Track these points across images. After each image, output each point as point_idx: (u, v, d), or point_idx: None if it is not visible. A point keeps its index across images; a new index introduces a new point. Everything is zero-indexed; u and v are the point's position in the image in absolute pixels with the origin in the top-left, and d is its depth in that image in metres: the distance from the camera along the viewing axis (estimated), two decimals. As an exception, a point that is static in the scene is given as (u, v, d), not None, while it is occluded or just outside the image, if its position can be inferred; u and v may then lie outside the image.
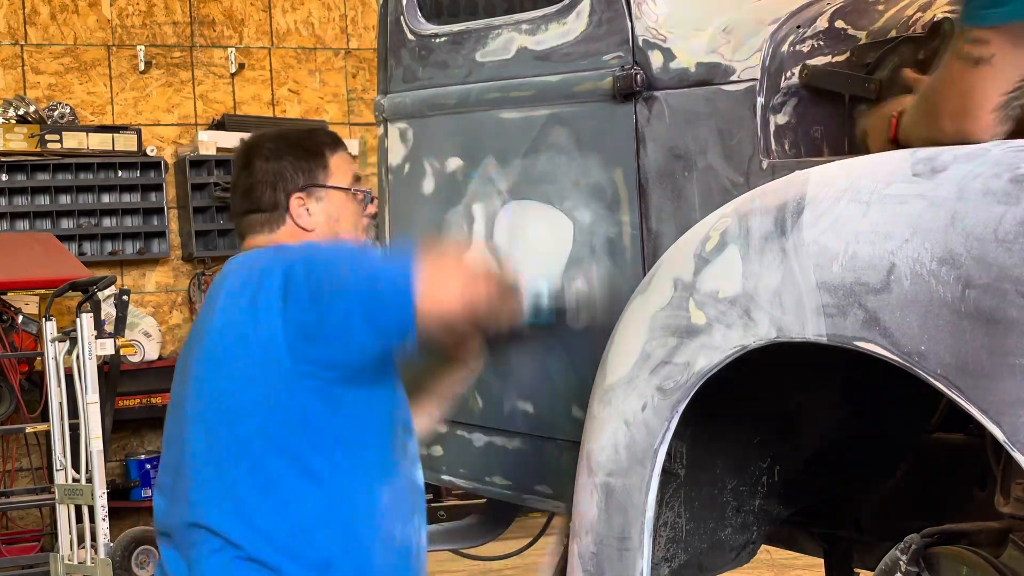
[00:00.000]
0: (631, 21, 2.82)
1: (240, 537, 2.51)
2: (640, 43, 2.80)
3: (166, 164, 8.58)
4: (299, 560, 2.50)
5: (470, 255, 2.69)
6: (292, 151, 2.73)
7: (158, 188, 8.53)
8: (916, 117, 2.29)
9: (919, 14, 2.64)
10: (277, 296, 2.48)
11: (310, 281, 2.48)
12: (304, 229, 2.70)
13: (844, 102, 2.60)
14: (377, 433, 2.58)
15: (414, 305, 2.40)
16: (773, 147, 2.57)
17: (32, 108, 8.24)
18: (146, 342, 8.26)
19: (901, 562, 2.16)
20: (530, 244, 3.08)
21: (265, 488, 2.51)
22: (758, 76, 2.58)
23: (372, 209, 2.83)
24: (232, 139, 8.58)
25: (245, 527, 2.51)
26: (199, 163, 8.53)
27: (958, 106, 2.15)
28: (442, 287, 2.44)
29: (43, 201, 8.29)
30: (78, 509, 6.27)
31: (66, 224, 8.31)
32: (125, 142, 8.39)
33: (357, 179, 2.81)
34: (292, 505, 2.51)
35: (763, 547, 2.91)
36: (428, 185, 3.34)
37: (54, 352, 6.44)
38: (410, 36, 3.41)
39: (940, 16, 2.60)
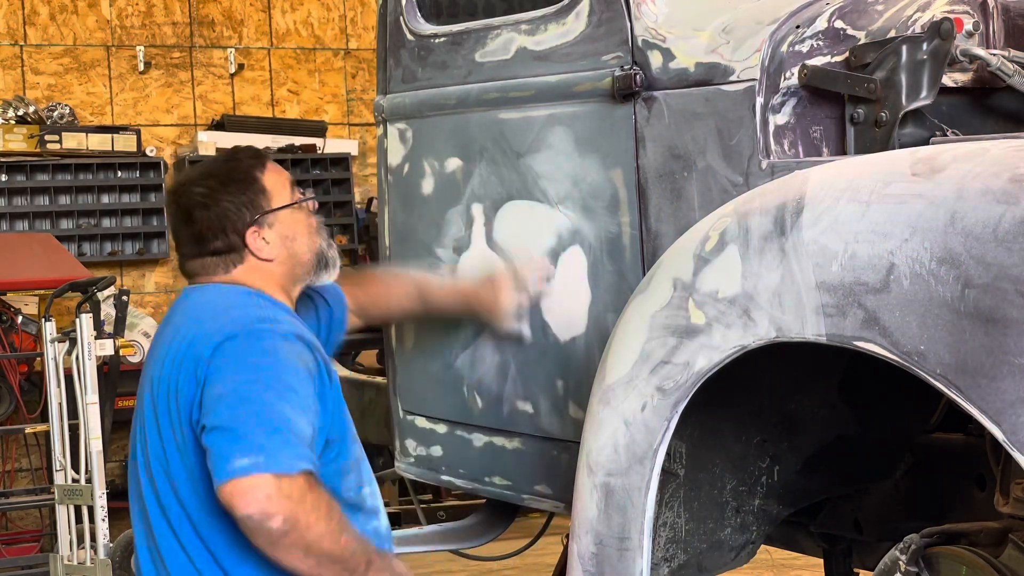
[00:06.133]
0: (630, 21, 2.82)
1: None
2: (639, 43, 2.80)
3: (165, 164, 8.58)
4: None
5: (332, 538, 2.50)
6: (226, 189, 2.69)
7: (157, 188, 8.52)
8: None
9: (919, 14, 2.64)
10: (198, 383, 2.52)
11: (214, 381, 2.50)
12: (265, 260, 2.69)
13: (843, 102, 2.60)
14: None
15: (221, 483, 2.43)
16: (772, 147, 2.57)
17: (31, 108, 8.23)
18: (145, 343, 8.24)
19: (901, 562, 2.16)
20: (529, 244, 3.08)
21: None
22: (757, 76, 2.58)
23: (315, 206, 2.83)
24: (232, 139, 8.58)
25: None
26: (198, 163, 8.52)
27: None
28: (253, 505, 2.41)
29: (42, 202, 8.29)
30: (78, 509, 6.27)
31: (65, 225, 8.30)
32: (124, 142, 8.38)
33: (294, 185, 2.79)
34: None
35: (763, 547, 2.91)
36: (427, 185, 3.34)
37: (54, 352, 6.44)
38: (409, 36, 3.41)
39: (940, 16, 2.60)
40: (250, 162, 2.75)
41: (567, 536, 2.70)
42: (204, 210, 2.67)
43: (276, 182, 2.74)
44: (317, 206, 2.86)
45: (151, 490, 2.67)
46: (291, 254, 2.73)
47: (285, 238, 2.71)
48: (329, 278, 2.84)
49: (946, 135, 2.56)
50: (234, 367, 2.51)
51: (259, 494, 2.39)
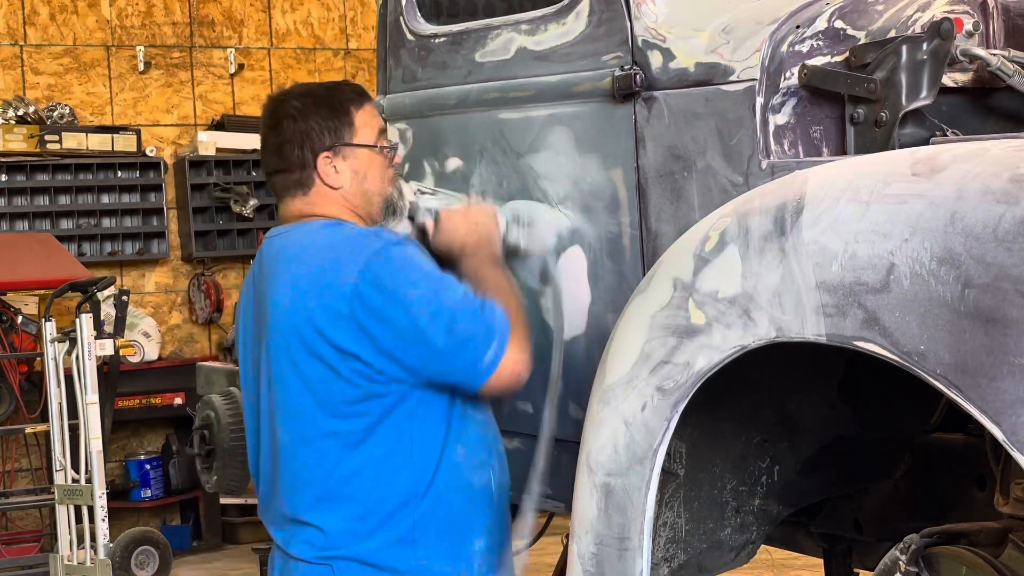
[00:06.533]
0: (630, 21, 2.82)
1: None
2: (639, 43, 2.80)
3: (165, 165, 8.58)
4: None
5: (521, 315, 2.74)
6: (318, 110, 2.76)
7: (157, 189, 8.53)
8: None
9: (919, 14, 2.64)
10: (345, 316, 2.60)
11: (387, 315, 2.60)
12: (332, 187, 2.76)
13: (843, 102, 2.60)
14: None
15: (484, 383, 2.65)
16: (772, 147, 2.57)
17: (32, 108, 8.24)
18: (145, 342, 8.27)
19: (901, 562, 2.16)
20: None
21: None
22: (757, 76, 2.58)
23: (398, 159, 2.91)
24: (231, 140, 8.59)
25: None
26: (198, 163, 8.54)
27: None
28: (514, 378, 2.68)
29: (42, 202, 8.29)
30: (77, 509, 6.27)
31: (65, 225, 8.31)
32: (124, 142, 8.39)
33: (383, 132, 2.86)
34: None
35: (763, 547, 2.91)
36: (428, 185, 3.34)
37: (54, 352, 6.44)
38: (409, 37, 3.41)
39: (940, 16, 2.60)
40: (350, 95, 2.82)
41: (567, 536, 2.70)
42: (291, 122, 2.76)
43: (366, 122, 2.80)
44: (399, 161, 2.94)
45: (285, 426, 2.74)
46: (360, 191, 2.79)
47: (356, 173, 2.77)
48: (396, 226, 2.92)
49: (946, 135, 2.56)
50: (399, 297, 2.60)
51: (514, 369, 2.66)
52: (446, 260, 2.84)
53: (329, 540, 2.67)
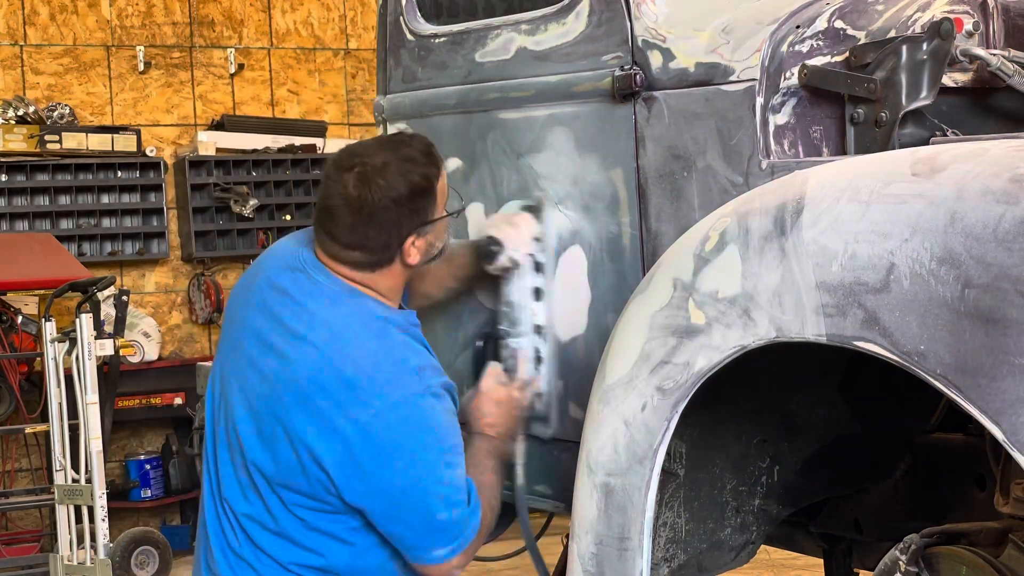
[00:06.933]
0: (630, 21, 2.82)
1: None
2: (639, 43, 2.80)
3: (165, 165, 8.57)
4: None
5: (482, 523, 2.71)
6: (406, 190, 2.60)
7: (157, 189, 8.52)
8: None
9: (919, 14, 2.65)
10: (342, 438, 2.54)
11: (385, 461, 2.54)
12: (408, 266, 2.66)
13: (843, 102, 2.60)
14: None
15: (420, 565, 2.65)
16: (772, 147, 2.57)
17: (31, 109, 8.23)
18: (145, 343, 8.26)
19: (901, 562, 2.16)
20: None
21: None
22: (757, 76, 2.58)
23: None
24: (231, 140, 8.58)
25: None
26: (198, 164, 8.53)
27: None
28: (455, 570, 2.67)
29: (42, 202, 8.29)
30: (77, 509, 6.27)
31: (65, 225, 8.30)
32: (124, 143, 8.38)
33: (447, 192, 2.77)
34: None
35: (763, 547, 2.91)
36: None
37: (54, 352, 6.44)
38: (409, 37, 3.41)
39: (940, 16, 2.61)
40: (433, 166, 2.66)
41: (567, 536, 2.70)
42: (378, 206, 2.58)
43: (443, 191, 2.70)
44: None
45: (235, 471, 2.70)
46: (426, 259, 2.71)
47: (431, 246, 2.69)
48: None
49: (946, 135, 2.57)
50: (406, 453, 2.55)
51: (455, 571, 2.66)
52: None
53: (278, 573, 2.65)
